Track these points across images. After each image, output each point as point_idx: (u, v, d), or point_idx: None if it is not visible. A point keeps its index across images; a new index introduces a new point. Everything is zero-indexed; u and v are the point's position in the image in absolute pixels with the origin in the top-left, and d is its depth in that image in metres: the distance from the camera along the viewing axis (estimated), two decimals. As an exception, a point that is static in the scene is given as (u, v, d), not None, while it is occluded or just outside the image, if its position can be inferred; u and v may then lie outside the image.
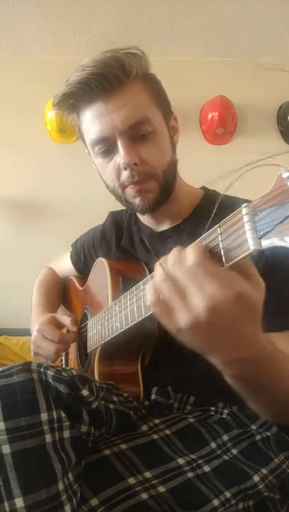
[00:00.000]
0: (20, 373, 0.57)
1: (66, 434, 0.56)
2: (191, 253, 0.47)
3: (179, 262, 0.48)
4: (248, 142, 2.38)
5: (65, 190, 2.33)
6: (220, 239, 0.48)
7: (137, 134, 0.81)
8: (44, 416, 0.54)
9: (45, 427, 0.53)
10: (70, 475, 0.53)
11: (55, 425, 0.55)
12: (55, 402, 0.56)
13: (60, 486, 0.50)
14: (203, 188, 0.99)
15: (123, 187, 0.86)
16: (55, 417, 0.55)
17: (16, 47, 2.28)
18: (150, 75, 0.85)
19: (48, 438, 0.53)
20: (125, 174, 0.83)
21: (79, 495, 0.54)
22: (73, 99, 0.82)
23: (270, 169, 0.43)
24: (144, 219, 0.99)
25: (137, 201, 0.86)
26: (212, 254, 0.49)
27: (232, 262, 0.46)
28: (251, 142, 2.37)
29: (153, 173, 0.83)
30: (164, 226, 0.95)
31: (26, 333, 1.97)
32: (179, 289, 0.48)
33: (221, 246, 0.47)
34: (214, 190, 0.96)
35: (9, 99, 2.34)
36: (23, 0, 1.95)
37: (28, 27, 2.13)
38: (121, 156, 0.80)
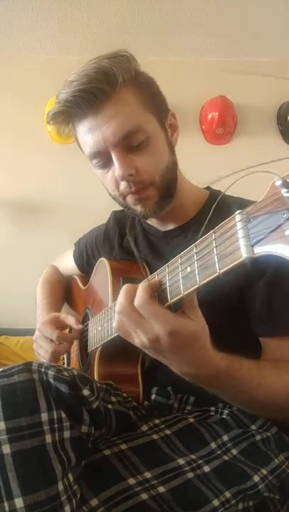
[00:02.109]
0: (21, 373, 0.57)
1: (66, 434, 0.56)
2: (138, 294, 0.59)
3: (127, 302, 0.60)
4: (248, 142, 2.38)
5: (65, 190, 2.33)
6: (214, 245, 0.48)
7: (130, 145, 0.80)
8: (44, 416, 0.54)
9: (46, 427, 0.53)
10: (70, 475, 0.53)
11: (56, 425, 0.55)
12: (56, 402, 0.56)
13: (60, 487, 0.50)
14: (208, 188, 0.99)
15: (123, 196, 0.86)
16: (55, 417, 0.55)
17: (16, 47, 2.28)
18: (139, 76, 0.83)
19: (48, 438, 0.53)
20: (123, 185, 0.83)
21: (79, 495, 0.54)
22: (64, 116, 0.83)
23: (274, 170, 0.43)
24: (149, 219, 0.99)
25: (138, 208, 0.86)
26: (208, 264, 0.50)
27: (225, 269, 0.46)
28: (251, 142, 2.37)
29: (150, 180, 0.83)
30: (170, 226, 0.95)
31: (26, 333, 1.98)
32: (131, 322, 0.60)
33: (215, 252, 0.48)
34: (219, 191, 0.96)
35: (9, 99, 2.34)
36: (24, 0, 1.95)
37: (29, 27, 2.13)
38: (116, 169, 0.80)
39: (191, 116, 2.40)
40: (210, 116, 2.33)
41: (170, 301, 0.57)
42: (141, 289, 0.59)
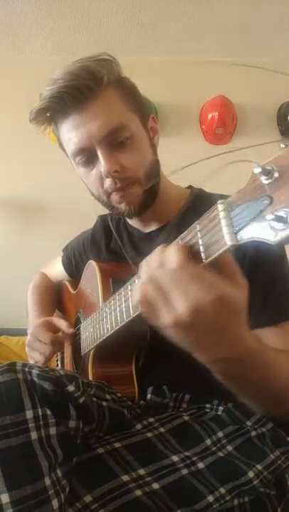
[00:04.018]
0: (5, 373, 0.57)
1: (52, 430, 0.56)
2: (172, 256, 0.49)
3: (162, 265, 0.50)
4: (248, 142, 2.36)
5: (64, 190, 2.32)
6: (199, 236, 0.49)
7: (115, 141, 0.81)
8: (29, 414, 0.54)
9: (31, 425, 0.54)
10: (58, 471, 0.53)
11: (41, 422, 0.55)
12: (40, 400, 0.57)
13: (47, 482, 0.51)
14: (189, 187, 0.99)
15: (107, 194, 0.86)
16: (40, 414, 0.55)
17: (16, 47, 2.29)
18: (122, 78, 0.85)
19: (34, 435, 0.53)
20: (108, 182, 0.83)
21: (67, 490, 0.54)
22: (48, 113, 0.83)
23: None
24: (132, 221, 0.99)
25: (122, 206, 0.87)
26: (192, 252, 0.50)
27: (211, 258, 0.46)
28: (251, 142, 2.34)
29: (135, 177, 0.83)
30: (152, 227, 0.96)
31: (26, 333, 1.98)
32: (162, 290, 0.50)
33: (200, 243, 0.48)
34: (200, 189, 0.96)
35: (9, 99, 2.35)
36: (24, 0, 1.96)
37: (29, 27, 2.14)
38: (101, 165, 0.81)
39: (191, 116, 2.40)
40: (210, 116, 2.33)
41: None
42: (175, 249, 0.49)
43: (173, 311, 0.49)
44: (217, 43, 2.29)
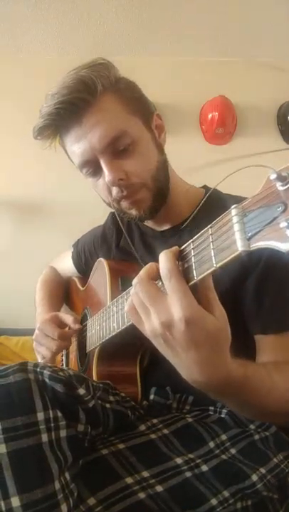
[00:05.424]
0: (17, 373, 0.57)
1: (63, 433, 0.56)
2: (164, 265, 0.51)
3: (146, 276, 0.53)
4: (248, 142, 2.38)
5: (65, 190, 2.32)
6: (211, 240, 0.48)
7: (117, 150, 0.80)
8: (40, 415, 0.54)
9: (42, 427, 0.53)
10: (66, 474, 0.53)
11: (52, 424, 0.55)
12: (52, 402, 0.56)
13: (57, 486, 0.51)
14: (204, 186, 0.98)
15: (117, 201, 0.86)
16: (51, 416, 0.55)
17: (16, 46, 2.28)
18: (119, 81, 0.84)
19: (45, 437, 0.53)
20: (115, 190, 0.83)
21: (76, 494, 0.54)
22: (50, 130, 0.84)
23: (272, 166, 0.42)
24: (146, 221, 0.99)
25: (133, 212, 0.87)
26: (191, 261, 0.50)
27: (221, 263, 0.46)
28: (251, 142, 2.37)
29: (142, 182, 0.83)
30: (165, 226, 0.95)
31: (26, 333, 1.98)
32: (144, 304, 0.53)
33: (211, 247, 0.48)
34: (215, 189, 0.95)
35: (9, 99, 2.34)
36: (24, 0, 1.95)
37: (29, 27, 2.13)
38: (106, 175, 0.81)
39: (191, 116, 2.39)
40: (210, 116, 2.32)
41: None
42: (167, 258, 0.51)
43: (150, 323, 0.52)
44: (217, 43, 2.28)
